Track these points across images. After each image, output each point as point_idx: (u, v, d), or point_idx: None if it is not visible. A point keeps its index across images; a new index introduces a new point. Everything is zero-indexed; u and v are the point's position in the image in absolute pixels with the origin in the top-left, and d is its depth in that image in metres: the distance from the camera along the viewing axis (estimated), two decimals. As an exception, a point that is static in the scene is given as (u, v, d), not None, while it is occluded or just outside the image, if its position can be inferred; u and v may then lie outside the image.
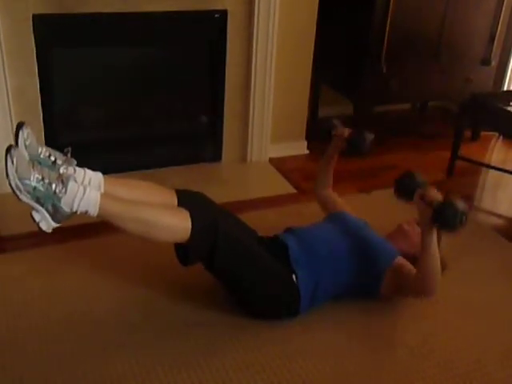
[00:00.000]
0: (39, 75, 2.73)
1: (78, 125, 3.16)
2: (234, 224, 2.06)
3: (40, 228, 1.68)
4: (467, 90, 3.51)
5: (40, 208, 1.65)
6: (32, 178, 1.62)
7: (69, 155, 1.84)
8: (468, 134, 3.74)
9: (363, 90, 3.48)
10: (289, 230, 2.21)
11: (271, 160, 3.40)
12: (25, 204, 1.64)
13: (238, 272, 1.95)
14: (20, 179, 1.61)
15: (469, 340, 2.04)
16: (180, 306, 2.09)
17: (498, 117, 3.21)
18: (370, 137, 2.22)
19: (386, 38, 3.29)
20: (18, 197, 1.63)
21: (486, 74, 3.74)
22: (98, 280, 2.20)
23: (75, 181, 1.74)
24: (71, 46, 2.84)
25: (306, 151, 3.53)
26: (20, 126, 1.74)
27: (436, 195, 1.89)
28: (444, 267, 2.26)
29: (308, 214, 2.57)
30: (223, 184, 3.13)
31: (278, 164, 3.36)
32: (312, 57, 3.30)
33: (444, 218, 1.82)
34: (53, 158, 1.78)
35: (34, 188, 1.62)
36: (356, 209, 2.41)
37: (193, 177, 3.15)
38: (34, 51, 2.67)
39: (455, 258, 2.36)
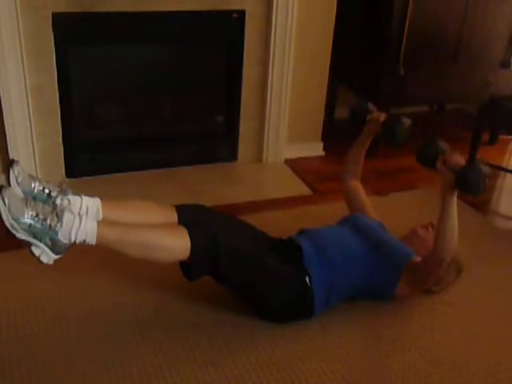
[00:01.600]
0: (58, 74, 2.75)
1: (96, 123, 3.18)
2: (237, 233, 2.03)
3: (41, 262, 1.68)
4: (486, 93, 3.47)
5: (38, 243, 1.65)
6: (26, 216, 1.62)
7: (64, 185, 1.84)
8: (486, 137, 3.70)
9: (380, 92, 3.46)
10: (303, 232, 2.20)
11: (287, 161, 3.40)
12: (18, 249, 1.64)
13: (246, 281, 1.95)
14: (14, 218, 1.61)
15: (483, 344, 2.02)
16: (192, 305, 2.09)
17: (516, 120, 3.18)
18: (407, 122, 2.16)
19: (404, 39, 3.27)
20: (14, 235, 1.63)
21: (505, 76, 3.70)
22: (107, 279, 2.20)
23: (71, 212, 1.73)
24: (90, 44, 2.86)
25: (322, 152, 3.52)
26: (10, 164, 1.74)
27: (458, 160, 1.88)
28: (460, 271, 2.25)
29: (323, 215, 2.56)
30: (238, 184, 3.13)
31: (294, 165, 3.36)
32: (329, 58, 3.29)
33: (467, 183, 1.81)
34: (47, 191, 1.79)
35: (30, 225, 1.62)
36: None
37: (208, 176, 3.16)
38: (53, 50, 2.69)
39: (472, 261, 2.34)
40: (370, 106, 2.31)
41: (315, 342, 1.96)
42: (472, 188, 1.82)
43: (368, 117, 2.28)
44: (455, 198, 1.89)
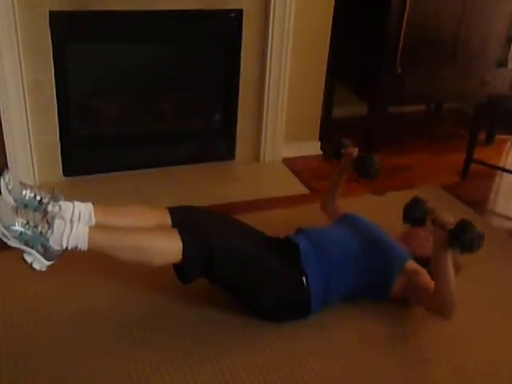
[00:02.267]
0: (55, 71, 2.74)
1: (93, 121, 3.17)
2: (231, 233, 2.02)
3: (33, 268, 1.69)
4: (483, 92, 3.48)
5: (30, 250, 1.66)
6: (17, 224, 1.63)
7: (55, 192, 1.84)
8: (482, 136, 3.71)
9: (378, 91, 3.47)
10: (300, 231, 2.21)
11: (284, 160, 3.40)
12: (15, 248, 1.65)
13: (240, 281, 1.95)
14: (5, 227, 1.62)
15: (482, 344, 2.02)
16: (188, 305, 2.09)
17: (513, 120, 3.19)
18: (377, 160, 2.23)
19: (401, 38, 3.27)
20: (6, 243, 1.64)
21: (502, 75, 3.71)
22: (103, 279, 2.20)
23: (62, 218, 1.74)
24: (87, 42, 2.85)
25: (320, 151, 3.52)
26: (1, 172, 1.75)
27: (449, 218, 1.87)
28: (458, 269, 2.25)
29: (320, 214, 2.55)
30: (236, 183, 3.13)
31: (291, 164, 3.36)
32: (327, 57, 3.29)
33: (462, 241, 1.80)
34: (38, 198, 1.79)
35: (21, 233, 1.64)
36: (369, 210, 2.41)
37: (205, 175, 3.16)
38: (50, 47, 2.68)
39: (469, 261, 2.34)
40: (345, 140, 2.39)
41: (312, 341, 1.97)
42: (467, 246, 1.80)
43: (342, 151, 2.36)
44: (450, 256, 1.87)
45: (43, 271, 1.72)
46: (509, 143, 3.90)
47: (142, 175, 3.09)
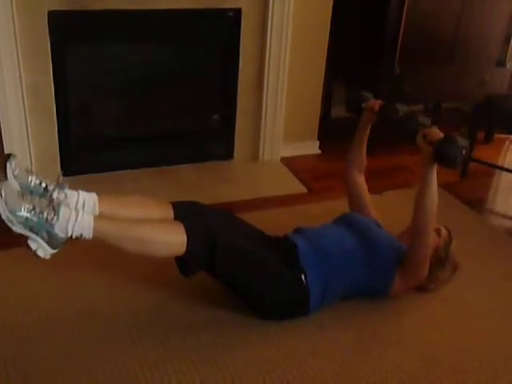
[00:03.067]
0: (53, 72, 2.74)
1: (91, 121, 3.18)
2: (233, 230, 2.04)
3: (38, 256, 1.68)
4: (482, 92, 3.48)
5: (35, 236, 1.65)
6: (22, 209, 1.63)
7: (60, 179, 1.84)
8: (481, 135, 3.71)
9: (376, 91, 3.45)
10: (298, 230, 2.21)
11: (283, 159, 3.40)
12: (20, 234, 1.64)
13: (242, 277, 1.95)
14: (10, 211, 1.61)
15: (479, 343, 2.02)
16: (188, 304, 2.09)
17: (512, 119, 3.19)
18: (402, 107, 2.15)
19: (400, 38, 3.27)
20: (11, 228, 1.63)
21: (501, 75, 3.71)
22: (102, 278, 2.20)
23: (67, 206, 1.74)
24: (86, 42, 2.85)
25: (318, 151, 3.52)
26: (7, 157, 1.74)
27: (437, 134, 1.91)
28: (455, 268, 2.25)
29: (319, 213, 2.57)
30: (234, 182, 3.13)
31: (290, 163, 3.36)
32: (325, 56, 3.29)
33: (444, 155, 1.85)
34: (44, 185, 1.79)
35: (26, 218, 1.63)
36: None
37: (204, 175, 3.16)
38: (49, 48, 2.68)
39: (467, 259, 2.34)
40: (365, 93, 2.32)
41: (311, 339, 1.97)
42: (449, 160, 1.85)
43: (363, 105, 2.29)
44: (435, 171, 1.91)
45: (47, 259, 1.70)
46: (507, 142, 3.90)
47: (141, 175, 3.09)
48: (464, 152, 1.83)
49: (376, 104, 2.26)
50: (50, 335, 1.91)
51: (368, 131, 2.35)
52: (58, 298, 2.09)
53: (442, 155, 1.86)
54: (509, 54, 3.63)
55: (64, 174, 2.97)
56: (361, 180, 2.40)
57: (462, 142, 1.84)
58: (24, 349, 1.84)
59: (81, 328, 1.95)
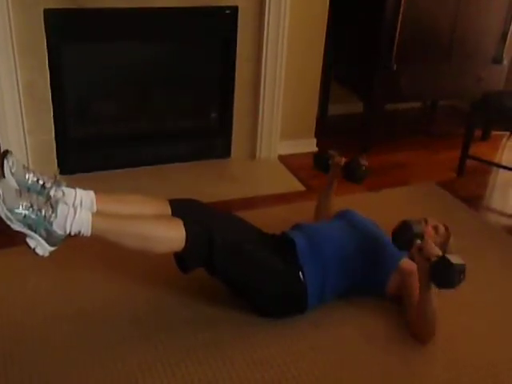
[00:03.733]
0: (50, 70, 2.74)
1: (89, 120, 3.17)
2: (231, 227, 2.04)
3: (36, 253, 1.68)
4: (478, 89, 3.48)
5: (33, 234, 1.65)
6: (20, 207, 1.62)
7: (57, 177, 1.84)
8: (478, 133, 3.71)
9: (373, 88, 3.47)
10: (296, 227, 2.21)
11: (280, 157, 3.40)
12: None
13: (239, 274, 1.95)
14: (9, 209, 1.60)
15: (480, 341, 2.03)
16: (187, 302, 2.09)
17: (509, 116, 3.19)
18: (364, 163, 2.30)
19: (396, 36, 3.27)
20: (10, 226, 1.63)
21: (497, 72, 3.71)
22: (102, 277, 2.20)
23: (65, 203, 1.73)
24: (82, 40, 2.84)
25: (316, 149, 3.52)
26: (4, 154, 1.74)
27: (433, 250, 1.86)
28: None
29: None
30: (232, 180, 3.12)
31: (287, 161, 3.36)
32: (322, 54, 3.29)
33: (441, 277, 1.81)
34: (41, 182, 1.78)
35: (24, 216, 1.62)
36: (365, 207, 2.41)
37: (202, 173, 3.15)
38: (45, 46, 2.68)
39: (464, 257, 2.33)
40: (331, 151, 2.45)
41: (309, 338, 1.97)
42: (445, 283, 1.81)
43: (330, 162, 2.41)
44: (432, 291, 1.87)
45: (45, 257, 1.70)
46: (504, 139, 3.90)
47: (138, 173, 3.09)
48: (462, 276, 1.79)
49: (341, 160, 2.37)
50: (48, 334, 1.90)
51: (335, 185, 2.47)
52: (57, 297, 2.09)
53: (438, 277, 1.81)
54: (505, 51, 3.63)
55: (61, 173, 2.97)
56: (328, 216, 2.43)
57: (459, 264, 1.79)
58: (23, 348, 1.83)
59: (79, 327, 1.95)
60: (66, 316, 1.99)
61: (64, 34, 2.73)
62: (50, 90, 2.77)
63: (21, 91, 2.69)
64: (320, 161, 2.48)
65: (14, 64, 2.62)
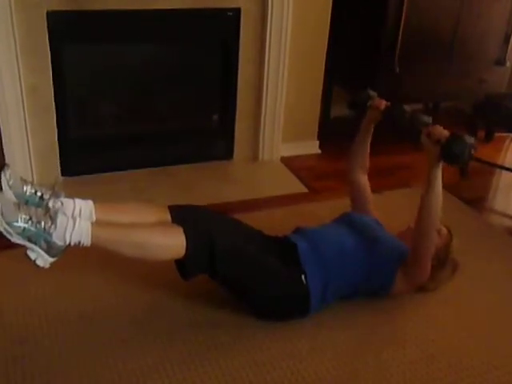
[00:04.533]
0: (53, 72, 2.74)
1: (91, 121, 3.17)
2: (231, 231, 2.03)
3: (37, 265, 1.68)
4: (481, 91, 3.48)
5: (33, 246, 1.65)
6: (19, 220, 1.62)
7: (56, 188, 1.84)
8: (481, 134, 3.71)
9: (376, 90, 3.45)
10: (298, 231, 2.21)
11: (283, 159, 3.39)
12: (16, 248, 1.64)
13: (241, 279, 1.95)
14: (8, 223, 1.61)
15: (479, 342, 2.02)
16: (188, 304, 2.09)
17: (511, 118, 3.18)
18: (408, 109, 2.14)
19: (399, 38, 3.27)
20: (9, 239, 1.63)
21: (500, 74, 3.71)
22: (102, 279, 2.20)
23: (64, 214, 1.73)
24: (85, 42, 2.85)
25: (318, 151, 3.52)
26: (1, 167, 1.74)
27: (442, 132, 1.90)
28: (456, 268, 2.25)
29: (318, 213, 2.56)
30: (234, 182, 3.12)
31: (290, 163, 3.36)
32: (325, 56, 3.28)
33: (452, 153, 1.83)
34: (39, 194, 1.79)
35: (24, 229, 1.62)
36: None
37: (204, 175, 3.15)
38: (48, 48, 2.68)
39: (466, 258, 2.34)
40: (371, 92, 2.29)
41: (311, 339, 1.97)
42: (457, 158, 1.84)
43: (369, 103, 2.27)
44: (440, 170, 1.90)
45: (46, 268, 1.70)
46: (507, 141, 3.90)
47: (141, 175, 3.09)
48: (472, 150, 1.82)
49: (382, 103, 2.24)
50: (49, 336, 1.91)
51: (372, 130, 2.32)
52: (58, 299, 2.09)
53: (449, 154, 1.84)
54: (508, 53, 3.62)
55: (63, 175, 2.97)
56: (364, 180, 2.38)
57: (469, 139, 1.83)
58: (23, 350, 1.84)
59: (80, 329, 1.95)
60: (68, 318, 1.99)
61: (66, 36, 2.73)
62: (52, 92, 2.77)
63: (24, 93, 2.70)
64: (359, 100, 2.29)
65: (17, 66, 2.63)
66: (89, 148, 3.08)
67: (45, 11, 2.60)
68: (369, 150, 2.36)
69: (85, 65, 2.91)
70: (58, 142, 2.91)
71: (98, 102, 3.14)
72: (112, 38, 2.90)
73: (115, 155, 3.12)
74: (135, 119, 3.24)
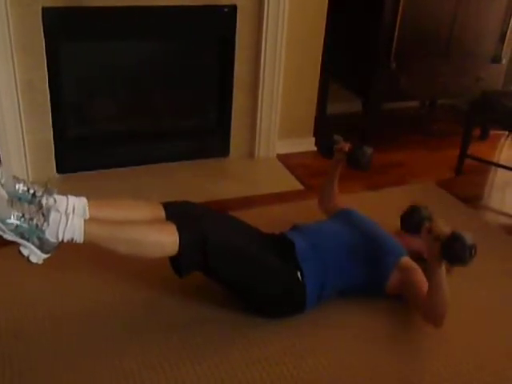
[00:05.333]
0: (48, 69, 2.73)
1: (87, 119, 3.17)
2: (226, 229, 2.03)
3: (30, 262, 1.68)
4: (477, 88, 3.48)
5: (26, 243, 1.65)
6: (12, 217, 1.62)
7: (48, 185, 1.83)
8: (477, 132, 3.71)
9: (372, 87, 3.46)
10: (295, 228, 2.21)
11: (279, 156, 3.39)
12: (11, 241, 1.64)
13: (236, 276, 1.95)
14: (0, 220, 1.61)
15: (477, 340, 2.03)
16: (184, 302, 2.08)
17: (507, 115, 3.18)
18: (368, 151, 2.26)
19: (395, 34, 3.27)
20: (2, 236, 1.63)
21: (496, 72, 3.71)
22: (101, 278, 2.19)
23: (57, 210, 1.73)
24: (80, 39, 2.84)
25: (314, 148, 3.52)
26: None
27: (443, 228, 1.87)
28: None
29: (315, 210, 2.56)
30: (230, 179, 3.12)
31: (286, 160, 3.36)
32: (321, 53, 3.28)
33: (453, 253, 1.81)
34: (32, 191, 1.78)
35: (17, 226, 1.62)
36: (364, 206, 2.41)
37: (200, 172, 3.15)
38: (44, 45, 2.67)
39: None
40: (336, 136, 2.40)
41: (308, 337, 1.97)
42: (457, 259, 1.82)
43: (335, 147, 2.37)
44: (442, 268, 1.87)
45: (40, 264, 1.70)
46: (503, 139, 3.91)
47: (137, 172, 3.08)
48: (472, 251, 1.79)
49: (346, 146, 2.33)
50: (46, 334, 1.90)
51: (339, 171, 2.43)
52: (55, 297, 2.08)
53: (449, 254, 1.82)
54: (504, 50, 3.63)
55: (59, 172, 2.96)
56: (333, 204, 2.45)
57: (470, 239, 1.81)
58: (20, 348, 1.83)
59: (76, 327, 1.95)
60: (63, 317, 1.99)
61: (62, 33, 2.72)
62: (48, 89, 2.76)
63: (19, 90, 2.69)
64: (325, 146, 2.44)
65: (12, 63, 2.61)
66: (84, 145, 3.08)
67: (40, 7, 2.59)
68: (336, 188, 2.47)
69: (80, 62, 2.90)
70: (54, 139, 2.90)
71: (93, 99, 3.13)
72: (108, 35, 2.89)
73: (111, 152, 3.11)
74: (131, 116, 3.23)
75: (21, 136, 2.78)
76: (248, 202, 2.83)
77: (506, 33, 3.59)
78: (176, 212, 1.97)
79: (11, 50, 2.58)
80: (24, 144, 2.81)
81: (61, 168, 2.97)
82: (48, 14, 2.61)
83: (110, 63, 2.99)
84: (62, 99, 2.85)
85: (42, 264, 1.72)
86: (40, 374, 1.75)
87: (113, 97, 3.16)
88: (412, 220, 1.98)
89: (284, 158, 3.37)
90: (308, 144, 3.49)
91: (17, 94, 2.68)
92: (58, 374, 1.75)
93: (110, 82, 3.07)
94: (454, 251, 1.80)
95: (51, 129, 2.87)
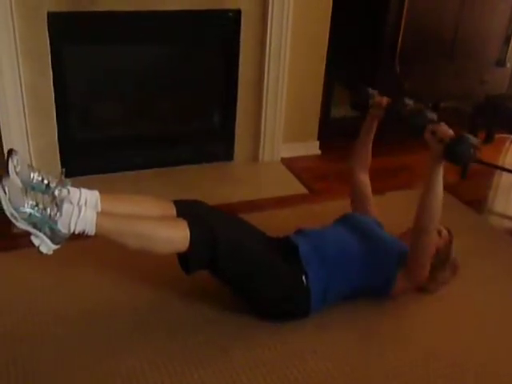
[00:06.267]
0: (53, 73, 2.74)
1: (91, 123, 3.18)
2: (235, 229, 2.04)
3: (40, 252, 1.69)
4: (481, 91, 3.48)
5: (38, 233, 1.66)
6: (26, 205, 1.63)
7: (63, 176, 1.85)
8: (482, 135, 3.70)
9: (376, 90, 3.46)
10: (299, 232, 2.20)
11: (283, 160, 3.39)
12: (23, 230, 1.65)
13: (242, 276, 1.95)
14: (14, 208, 1.62)
15: (480, 342, 2.02)
16: (189, 304, 2.09)
17: (512, 119, 3.18)
18: (409, 102, 2.12)
19: (400, 37, 3.28)
20: (15, 224, 1.64)
21: (500, 75, 3.71)
22: (107, 278, 2.20)
23: (70, 202, 1.75)
24: (85, 43, 2.85)
25: (318, 151, 3.52)
26: (9, 153, 1.74)
27: (447, 131, 1.90)
28: (456, 269, 2.25)
29: (319, 214, 2.57)
30: (235, 183, 3.12)
31: (290, 164, 3.36)
32: (325, 56, 3.28)
33: (455, 153, 1.84)
34: (46, 182, 1.79)
35: (30, 214, 1.63)
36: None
37: (204, 176, 3.15)
38: (49, 49, 2.68)
39: (466, 259, 2.34)
40: (371, 90, 2.28)
41: (312, 340, 1.97)
42: (460, 158, 1.86)
43: (370, 101, 2.26)
44: (441, 169, 1.91)
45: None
46: (508, 142, 3.90)
47: (142, 176, 3.09)
48: (475, 151, 1.82)
49: (383, 100, 2.24)
50: (50, 335, 1.91)
51: (375, 128, 2.33)
52: (59, 297, 2.09)
53: (452, 153, 1.85)
54: (508, 54, 3.63)
55: (64, 175, 2.96)
56: (366, 179, 2.40)
57: (473, 140, 1.84)
58: (24, 348, 1.84)
59: (81, 328, 1.95)
60: (68, 316, 1.99)
61: (67, 37, 2.74)
62: (53, 93, 2.78)
63: (24, 94, 2.70)
64: (360, 100, 2.28)
65: (18, 67, 2.63)
66: (89, 149, 3.08)
67: (45, 12, 2.60)
68: (371, 149, 2.36)
69: (85, 66, 2.91)
70: (59, 143, 2.91)
71: (98, 102, 3.14)
72: (113, 39, 2.91)
73: (116, 156, 3.12)
74: (136, 120, 3.24)
75: (26, 140, 2.79)
76: (252, 205, 2.83)
77: (511, 36, 3.58)
78: (187, 210, 1.98)
79: (16, 54, 2.60)
80: (29, 148, 2.82)
81: (66, 172, 2.97)
82: (53, 19, 2.63)
83: (114, 67, 3.00)
84: (66, 103, 2.86)
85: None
86: (44, 375, 1.75)
87: (117, 101, 3.16)
88: (416, 121, 1.98)
89: (288, 162, 3.38)
90: (312, 148, 3.49)
91: (22, 97, 2.70)
92: (62, 375, 1.75)
93: (115, 86, 3.07)
94: (458, 150, 1.83)
95: (56, 132, 2.88)
